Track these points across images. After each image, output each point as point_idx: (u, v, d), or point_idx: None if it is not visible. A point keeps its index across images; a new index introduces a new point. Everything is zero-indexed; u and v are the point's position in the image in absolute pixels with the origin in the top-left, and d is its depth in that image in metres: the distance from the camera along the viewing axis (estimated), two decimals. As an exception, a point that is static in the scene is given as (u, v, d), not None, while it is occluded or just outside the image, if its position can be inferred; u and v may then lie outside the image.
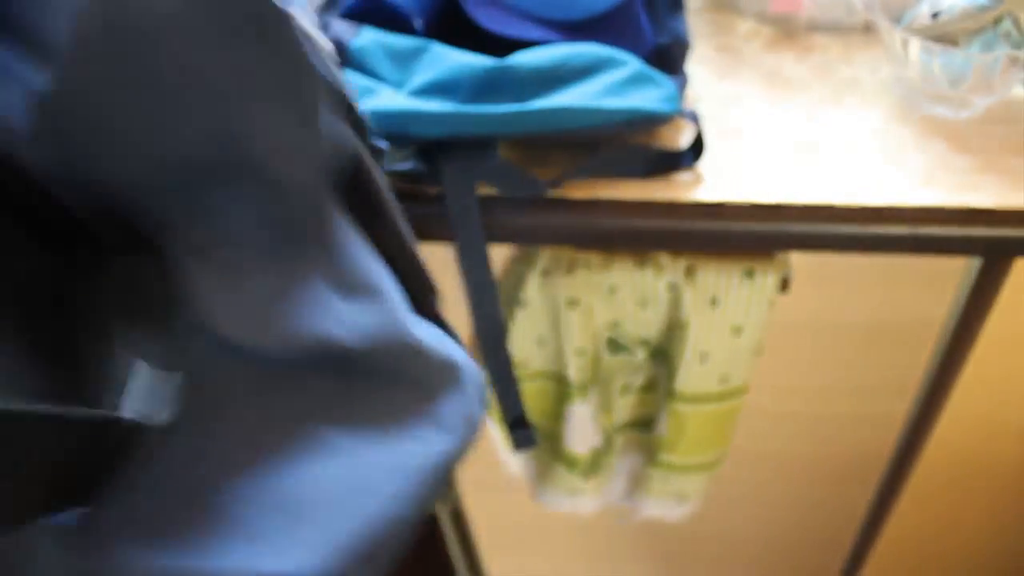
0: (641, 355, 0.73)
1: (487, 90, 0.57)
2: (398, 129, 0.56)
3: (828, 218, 0.58)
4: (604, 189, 0.60)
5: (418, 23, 0.62)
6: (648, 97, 0.56)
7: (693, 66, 0.71)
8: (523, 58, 0.57)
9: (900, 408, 0.77)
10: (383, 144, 0.56)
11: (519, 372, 0.76)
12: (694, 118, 0.59)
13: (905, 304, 0.68)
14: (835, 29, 0.72)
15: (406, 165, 0.57)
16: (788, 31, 0.73)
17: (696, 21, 0.76)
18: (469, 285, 0.61)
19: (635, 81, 0.57)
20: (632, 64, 0.57)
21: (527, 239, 0.61)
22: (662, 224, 0.59)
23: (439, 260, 0.69)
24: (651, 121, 0.57)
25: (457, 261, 0.60)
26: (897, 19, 0.65)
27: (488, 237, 0.60)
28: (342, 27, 0.61)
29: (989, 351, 0.69)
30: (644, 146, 0.60)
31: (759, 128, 0.64)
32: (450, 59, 0.58)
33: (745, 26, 0.74)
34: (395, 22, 0.62)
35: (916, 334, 0.70)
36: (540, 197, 0.59)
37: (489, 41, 0.62)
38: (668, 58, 0.63)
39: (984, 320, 0.66)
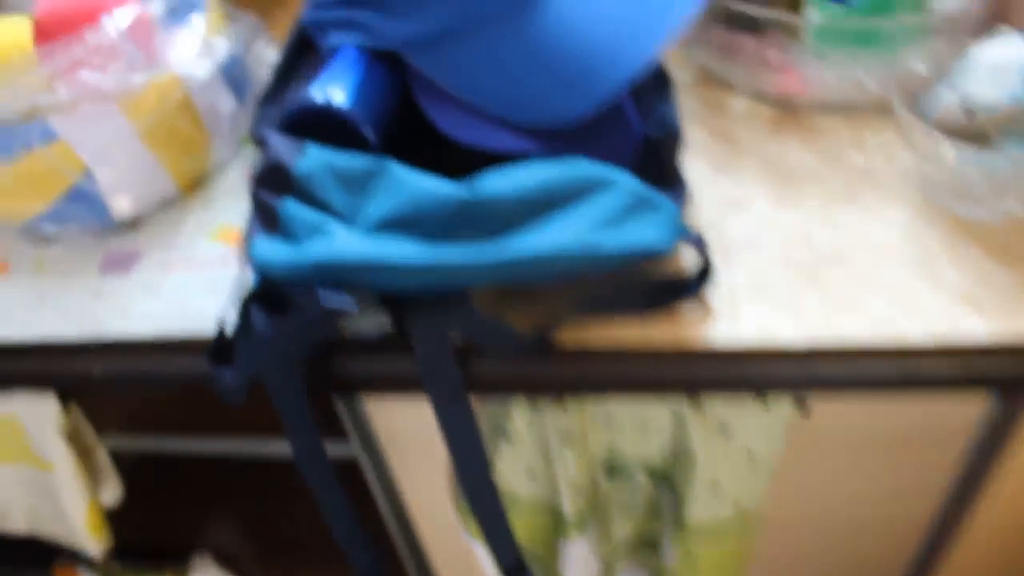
0: (642, 479, 0.66)
1: (457, 225, 0.48)
2: (357, 280, 0.48)
3: (856, 358, 0.50)
4: (597, 330, 0.51)
5: (369, 131, 0.53)
6: (648, 229, 0.48)
7: (686, 156, 0.63)
8: (498, 185, 0.48)
9: (923, 515, 0.70)
10: (349, 304, 0.47)
11: (506, 503, 0.68)
12: (699, 243, 0.51)
13: (933, 416, 0.61)
14: (842, 108, 0.64)
15: (371, 330, 0.49)
16: (790, 110, 0.65)
17: (685, 98, 0.68)
18: (449, 442, 0.53)
19: (631, 208, 0.48)
20: (626, 185, 0.49)
21: (510, 391, 0.53)
22: (666, 372, 0.51)
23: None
24: (652, 257, 0.49)
25: (435, 417, 0.52)
26: (915, 99, 0.58)
27: (466, 389, 0.51)
28: (284, 145, 0.52)
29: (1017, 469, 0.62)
30: (642, 277, 0.52)
31: (768, 238, 0.56)
32: (411, 185, 0.49)
33: (741, 105, 0.66)
34: (343, 130, 0.53)
35: (944, 445, 0.63)
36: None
37: (453, 146, 0.54)
38: (659, 153, 0.55)
39: (1016, 435, 0.59)
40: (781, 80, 0.63)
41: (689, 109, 0.67)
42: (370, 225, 0.49)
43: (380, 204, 0.49)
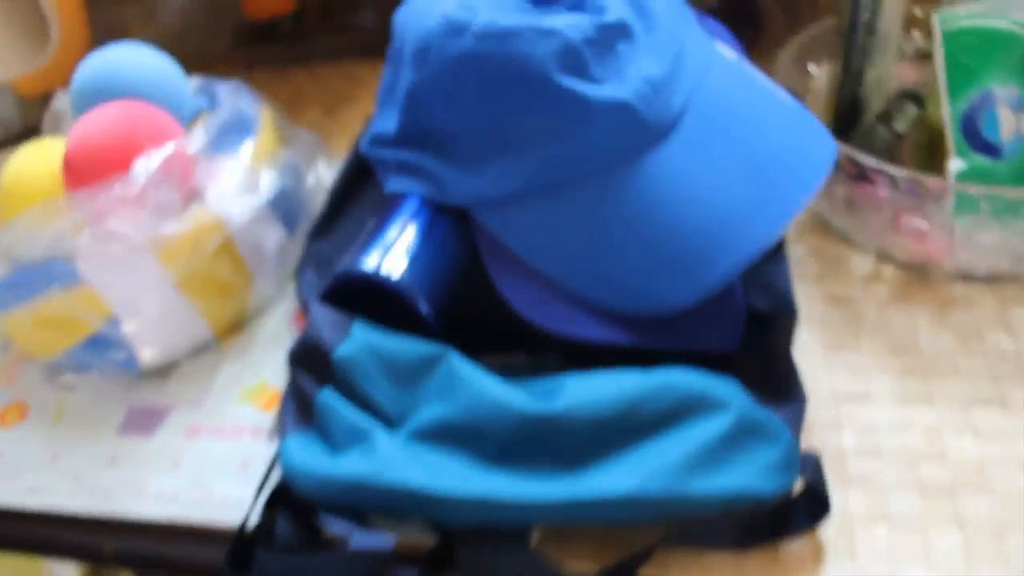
0: None
1: (523, 445, 0.40)
2: (399, 506, 0.40)
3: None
4: (679, 567, 0.43)
5: (426, 307, 0.45)
6: (754, 470, 0.39)
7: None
8: (576, 397, 0.40)
9: None
10: (389, 542, 0.40)
11: None
12: (815, 474, 0.42)
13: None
14: (987, 277, 0.54)
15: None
16: (921, 275, 0.55)
17: (793, 249, 0.58)
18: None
19: (737, 437, 0.40)
20: (732, 406, 0.40)
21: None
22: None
23: None
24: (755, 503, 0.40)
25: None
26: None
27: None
28: (327, 321, 0.45)
29: None
30: (738, 510, 0.43)
31: (892, 446, 0.47)
32: (471, 387, 0.41)
33: (862, 264, 0.57)
34: (397, 299, 0.46)
35: None
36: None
37: (526, 325, 0.46)
38: (766, 334, 0.47)
39: None
40: (914, 242, 0.53)
41: (797, 261, 0.58)
42: (419, 431, 0.41)
43: (433, 407, 0.42)
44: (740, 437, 0.40)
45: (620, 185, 0.45)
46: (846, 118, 0.57)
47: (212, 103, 0.59)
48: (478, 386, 0.41)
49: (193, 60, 0.85)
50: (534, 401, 0.40)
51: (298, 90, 0.80)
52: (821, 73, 0.63)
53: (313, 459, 0.42)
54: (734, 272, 0.43)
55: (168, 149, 0.48)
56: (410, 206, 0.48)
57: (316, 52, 0.82)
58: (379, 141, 0.51)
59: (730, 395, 0.40)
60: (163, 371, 0.55)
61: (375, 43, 0.64)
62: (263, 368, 0.54)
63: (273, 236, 0.55)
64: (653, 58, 0.47)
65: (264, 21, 0.81)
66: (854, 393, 0.50)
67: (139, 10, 0.85)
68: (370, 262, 0.45)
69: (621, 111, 0.45)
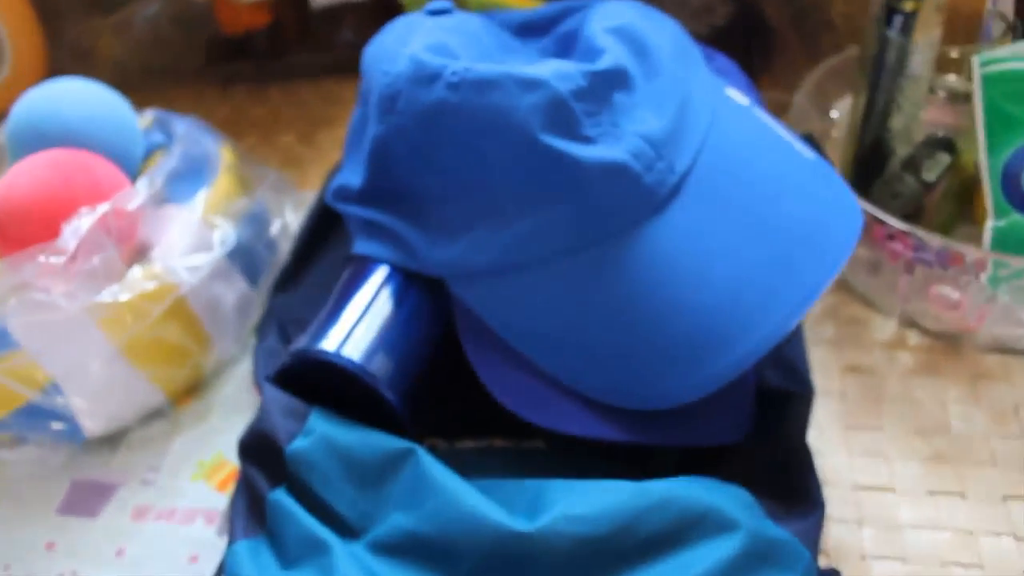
0: None
1: (500, 567, 0.35)
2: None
3: None
4: None
5: (391, 393, 0.40)
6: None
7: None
8: (563, 511, 0.35)
9: None
10: None
11: None
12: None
13: None
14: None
15: None
16: (951, 344, 0.50)
17: (810, 310, 0.53)
18: None
19: (747, 564, 0.34)
20: (743, 523, 0.35)
21: None
22: None
23: None
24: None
25: None
26: None
27: None
28: (280, 409, 0.40)
29: None
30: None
31: (917, 549, 0.42)
32: (442, 492, 0.36)
33: (885, 329, 0.51)
34: (359, 385, 0.40)
35: None
36: None
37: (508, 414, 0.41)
38: (780, 416, 0.41)
39: None
40: (944, 310, 0.48)
41: (812, 322, 0.52)
42: (381, 543, 0.36)
43: (398, 515, 0.36)
44: (751, 563, 0.34)
45: (614, 260, 0.39)
46: (869, 164, 0.52)
47: (169, 138, 0.53)
48: (451, 493, 0.36)
49: (166, 75, 0.80)
50: (514, 514, 0.35)
51: (274, 112, 0.74)
52: (841, 114, 0.57)
53: (262, 574, 0.36)
54: (744, 365, 0.37)
55: (104, 207, 0.43)
56: (378, 273, 0.43)
57: (293, 69, 0.76)
58: (344, 195, 0.46)
59: (740, 511, 0.35)
60: (112, 439, 0.50)
61: (355, 60, 0.59)
62: (220, 437, 0.49)
63: (232, 291, 0.50)
64: (654, 110, 0.41)
65: (239, 35, 0.76)
66: (875, 484, 0.44)
67: (109, 23, 0.79)
68: (330, 341, 0.40)
69: (616, 174, 0.39)
